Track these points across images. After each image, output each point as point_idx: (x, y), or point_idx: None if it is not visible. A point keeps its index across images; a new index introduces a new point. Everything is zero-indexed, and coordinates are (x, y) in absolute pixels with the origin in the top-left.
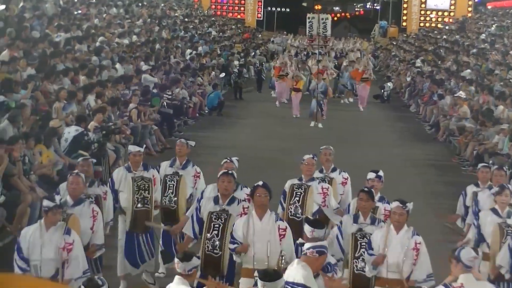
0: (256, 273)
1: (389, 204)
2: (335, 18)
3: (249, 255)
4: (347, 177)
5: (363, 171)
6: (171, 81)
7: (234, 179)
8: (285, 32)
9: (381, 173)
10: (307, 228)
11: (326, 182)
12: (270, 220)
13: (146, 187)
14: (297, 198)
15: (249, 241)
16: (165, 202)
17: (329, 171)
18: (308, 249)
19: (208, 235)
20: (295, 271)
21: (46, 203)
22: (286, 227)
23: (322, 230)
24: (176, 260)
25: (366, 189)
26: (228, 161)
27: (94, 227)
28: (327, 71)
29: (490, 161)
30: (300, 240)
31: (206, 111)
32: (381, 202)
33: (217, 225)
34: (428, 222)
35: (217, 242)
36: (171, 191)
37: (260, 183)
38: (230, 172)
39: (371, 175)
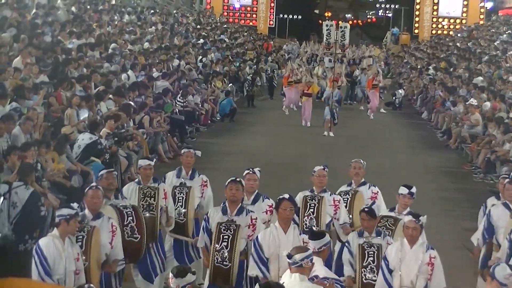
0: (257, 287)
1: None
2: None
3: (274, 269)
4: (377, 192)
5: (376, 177)
6: (183, 88)
7: (242, 187)
8: (295, 39)
9: (414, 189)
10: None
11: (348, 196)
12: (294, 233)
13: (152, 194)
14: (312, 210)
15: (275, 254)
16: (174, 215)
17: (357, 185)
18: (302, 259)
19: (217, 246)
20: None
21: (67, 211)
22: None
23: (316, 242)
24: (170, 275)
25: (366, 208)
26: (251, 172)
27: (113, 242)
28: (341, 79)
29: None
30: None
31: (218, 118)
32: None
33: (226, 236)
34: (440, 229)
35: (226, 254)
36: (181, 204)
37: (286, 196)
38: (238, 179)
39: (404, 190)
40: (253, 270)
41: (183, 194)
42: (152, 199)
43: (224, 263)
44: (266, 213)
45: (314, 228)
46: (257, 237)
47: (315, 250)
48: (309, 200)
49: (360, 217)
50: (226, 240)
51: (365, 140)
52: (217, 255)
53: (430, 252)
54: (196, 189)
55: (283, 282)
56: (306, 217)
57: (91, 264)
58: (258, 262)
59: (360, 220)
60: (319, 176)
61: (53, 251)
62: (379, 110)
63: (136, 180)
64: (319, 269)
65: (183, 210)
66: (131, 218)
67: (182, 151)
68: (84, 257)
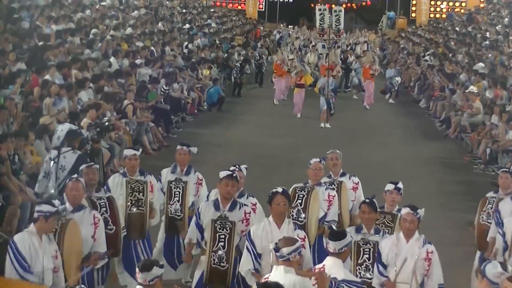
0: (255, 286)
1: None
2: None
3: (267, 265)
4: (358, 182)
5: (372, 170)
6: (167, 75)
7: (237, 184)
8: (284, 24)
9: (400, 185)
10: (326, 240)
11: (334, 186)
12: (289, 228)
13: (140, 189)
14: (299, 201)
15: (267, 250)
16: (170, 211)
17: (337, 177)
18: (289, 253)
19: (214, 247)
20: (292, 280)
21: (47, 208)
22: (305, 236)
23: (338, 243)
24: (136, 269)
25: (367, 200)
26: (237, 169)
27: (95, 234)
28: (336, 68)
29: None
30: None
31: (206, 107)
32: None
33: (223, 236)
34: (438, 223)
35: (224, 255)
36: (177, 199)
37: (280, 190)
38: (234, 175)
39: (390, 186)
40: (245, 265)
41: (180, 189)
42: (141, 194)
43: (221, 264)
44: (247, 206)
45: (334, 227)
46: (249, 232)
47: (335, 251)
48: (299, 191)
49: (360, 210)
50: (223, 239)
51: (359, 130)
52: (213, 256)
53: (427, 246)
54: (191, 186)
55: (269, 275)
56: (293, 209)
57: (64, 259)
58: (252, 257)
59: (359, 213)
60: (315, 169)
61: (30, 247)
62: (388, 101)
63: (121, 171)
64: (338, 271)
65: (180, 206)
66: (104, 209)
67: (177, 147)
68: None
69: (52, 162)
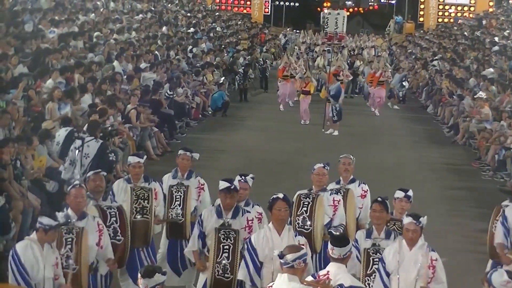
0: None
1: None
2: (348, 13)
3: (268, 272)
4: (367, 190)
5: (379, 175)
6: (171, 80)
7: (237, 194)
8: (291, 28)
9: (410, 192)
10: (329, 246)
11: (340, 194)
12: (289, 235)
13: (145, 196)
14: (305, 209)
15: (269, 257)
16: (171, 215)
17: (347, 182)
18: (294, 260)
19: (218, 258)
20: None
21: (47, 221)
22: (306, 242)
23: (342, 249)
24: (138, 275)
25: (380, 199)
26: (242, 181)
27: (101, 242)
28: (342, 72)
29: None
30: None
31: (210, 112)
32: None
33: (227, 247)
34: (445, 230)
35: (228, 265)
36: (178, 203)
37: (280, 195)
38: (232, 187)
39: (399, 194)
40: (242, 276)
41: (181, 193)
42: (146, 201)
43: (226, 275)
44: (249, 213)
45: (334, 233)
46: (250, 239)
47: (340, 257)
48: (303, 198)
49: (371, 210)
50: (227, 250)
51: (366, 136)
52: (217, 267)
53: (431, 254)
54: (193, 191)
55: (273, 284)
56: (299, 216)
57: (82, 268)
58: (251, 267)
59: (371, 212)
60: (318, 175)
61: (31, 256)
62: (392, 107)
63: (125, 177)
64: (344, 277)
65: (181, 211)
66: (114, 219)
67: (178, 152)
68: (72, 261)
69: (77, 151)
